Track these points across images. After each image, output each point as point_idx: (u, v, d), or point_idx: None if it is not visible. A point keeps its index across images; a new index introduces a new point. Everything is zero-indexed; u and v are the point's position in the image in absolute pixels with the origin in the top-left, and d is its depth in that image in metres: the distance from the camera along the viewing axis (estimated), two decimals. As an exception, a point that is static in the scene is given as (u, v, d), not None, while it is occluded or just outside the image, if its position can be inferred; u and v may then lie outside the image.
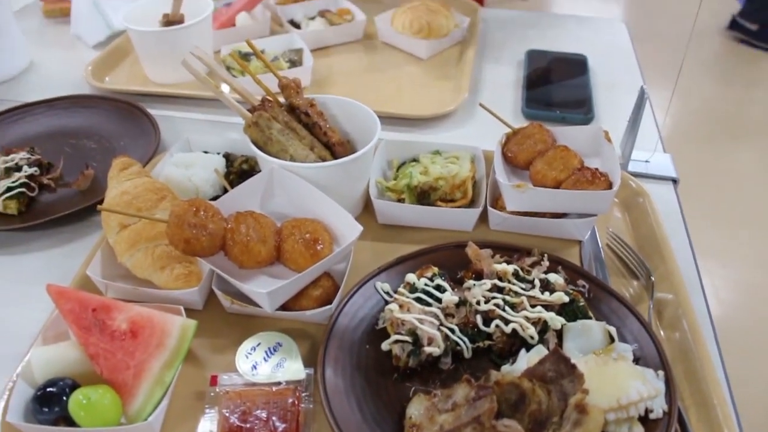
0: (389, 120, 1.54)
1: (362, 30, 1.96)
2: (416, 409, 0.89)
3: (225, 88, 1.35)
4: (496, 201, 1.26)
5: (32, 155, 1.41)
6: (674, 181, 1.43)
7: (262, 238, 1.02)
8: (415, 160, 1.31)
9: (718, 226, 2.98)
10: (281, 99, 1.26)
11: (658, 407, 0.88)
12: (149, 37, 1.69)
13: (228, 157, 1.36)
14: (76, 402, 0.86)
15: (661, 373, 0.93)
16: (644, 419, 0.88)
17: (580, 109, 1.62)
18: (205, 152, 1.36)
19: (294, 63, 1.72)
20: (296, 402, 0.91)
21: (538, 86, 1.72)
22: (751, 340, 2.54)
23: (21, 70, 1.88)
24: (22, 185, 1.32)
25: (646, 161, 1.46)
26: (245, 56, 1.72)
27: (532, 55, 1.86)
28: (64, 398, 0.87)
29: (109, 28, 2.00)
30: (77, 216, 1.29)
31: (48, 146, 1.49)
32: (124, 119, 1.59)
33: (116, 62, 1.88)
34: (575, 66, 1.82)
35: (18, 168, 1.36)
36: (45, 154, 1.44)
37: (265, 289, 0.94)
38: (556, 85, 1.74)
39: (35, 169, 1.38)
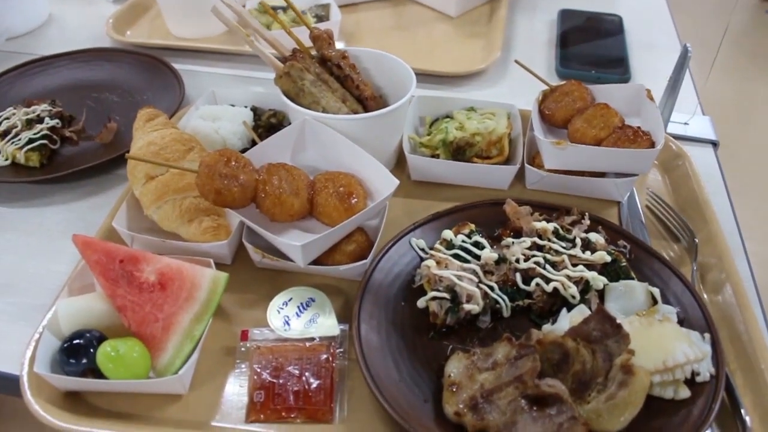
0: (420, 77, 1.47)
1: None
2: (455, 367, 0.86)
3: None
4: (533, 159, 1.21)
5: (54, 108, 1.38)
6: (714, 144, 1.38)
7: (295, 191, 0.99)
8: (448, 116, 1.27)
9: (759, 195, 2.93)
10: (313, 52, 1.22)
11: (705, 370, 0.85)
12: (172, -11, 1.65)
13: (255, 111, 1.32)
14: (104, 354, 0.84)
15: (707, 335, 0.90)
16: (690, 382, 0.85)
17: (617, 69, 1.57)
18: (232, 105, 1.32)
19: (321, 18, 1.67)
20: (330, 358, 0.89)
21: (573, 45, 1.66)
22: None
23: (40, 24, 1.84)
24: (43, 137, 1.29)
25: (686, 123, 1.41)
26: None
27: (566, 15, 1.80)
28: (92, 350, 0.85)
29: (130, -19, 1.96)
30: (100, 169, 1.27)
31: (70, 99, 1.46)
32: (146, 73, 1.55)
33: (137, 16, 1.84)
34: (610, 26, 1.76)
35: (40, 120, 1.33)
36: (67, 107, 1.41)
37: (299, 242, 0.91)
38: (590, 45, 1.68)
39: (57, 121, 1.35)
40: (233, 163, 0.96)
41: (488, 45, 1.66)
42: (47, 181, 1.25)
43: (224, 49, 1.64)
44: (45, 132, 1.30)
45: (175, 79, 1.50)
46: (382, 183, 1.03)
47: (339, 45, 1.53)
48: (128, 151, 1.12)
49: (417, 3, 1.88)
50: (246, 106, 1.32)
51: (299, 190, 0.99)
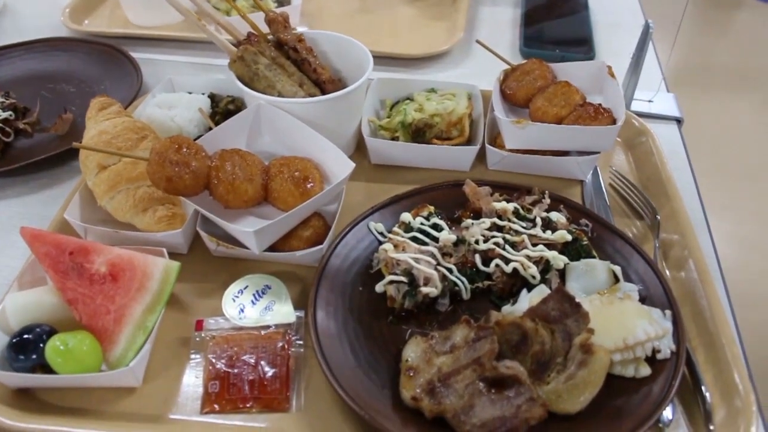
0: (382, 60, 1.47)
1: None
2: (413, 351, 0.85)
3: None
4: (495, 140, 1.20)
5: (7, 99, 1.34)
6: (678, 121, 1.37)
7: (249, 177, 0.96)
8: (409, 99, 1.25)
9: (720, 172, 2.95)
10: (269, 36, 1.19)
11: (666, 347, 0.84)
12: (129, -24, 1.61)
13: (213, 98, 1.29)
14: (52, 348, 0.81)
15: (668, 312, 0.89)
16: (651, 360, 0.84)
17: (581, 47, 1.56)
18: (189, 93, 1.29)
19: (282, 3, 1.64)
20: (286, 346, 0.87)
21: (537, 25, 1.65)
22: (761, 289, 2.52)
23: (-5, 14, 1.79)
24: (-4, 129, 1.26)
25: (650, 101, 1.40)
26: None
27: (530, -5, 1.78)
28: (41, 345, 0.83)
29: (88, -30, 1.91)
30: (55, 161, 1.23)
31: (24, 91, 1.42)
32: (104, 62, 1.51)
33: (95, 5, 1.79)
34: (574, 5, 1.74)
35: (-8, 112, 1.30)
36: (21, 99, 1.37)
37: (252, 228, 0.89)
38: (555, 24, 1.67)
39: (10, 113, 1.31)
40: (185, 149, 0.93)
41: (451, 27, 1.64)
42: (-1, 174, 1.21)
43: (183, 37, 1.60)
44: (-3, 124, 1.27)
45: (133, 67, 1.46)
46: (339, 167, 1.01)
47: (301, 29, 1.50)
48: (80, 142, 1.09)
49: (381, -15, 1.86)
50: (204, 94, 1.29)
51: (253, 175, 0.97)
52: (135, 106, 1.30)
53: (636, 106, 1.37)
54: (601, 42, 1.61)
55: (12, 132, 1.30)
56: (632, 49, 1.31)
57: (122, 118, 1.10)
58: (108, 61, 1.51)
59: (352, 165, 0.99)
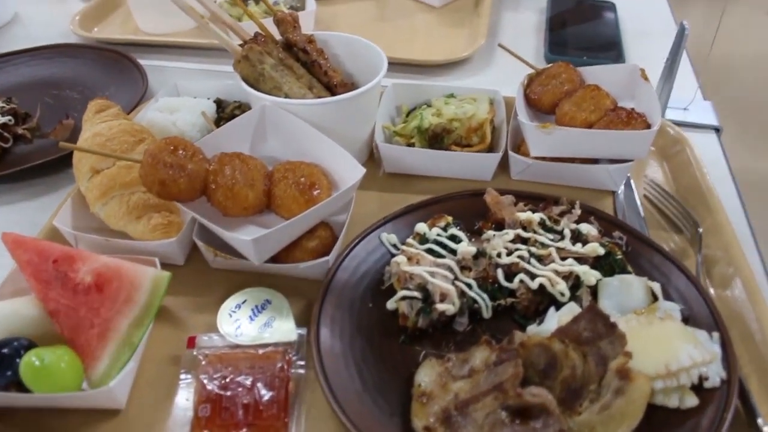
0: (399, 67, 1.41)
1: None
2: (426, 375, 0.76)
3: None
4: (518, 148, 1.11)
5: (8, 105, 1.28)
6: (717, 129, 1.28)
7: (250, 182, 0.89)
8: (426, 105, 1.17)
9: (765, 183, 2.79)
10: (278, 38, 1.12)
11: (714, 374, 0.75)
12: (139, -18, 1.56)
13: (220, 104, 1.22)
14: (27, 364, 0.73)
15: (715, 335, 0.79)
16: (698, 388, 0.74)
17: (609, 53, 1.47)
18: (194, 98, 1.22)
19: (295, 9, 1.58)
20: (286, 366, 0.78)
21: (563, 30, 1.57)
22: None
23: (4, 23, 1.76)
24: (-7, 134, 1.20)
25: (685, 109, 1.31)
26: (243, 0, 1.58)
27: (556, 1, 1.70)
28: (18, 360, 0.75)
29: (100, -22, 1.87)
30: (52, 167, 1.17)
31: (27, 97, 1.37)
32: (110, 69, 1.46)
33: (106, 13, 1.75)
34: (603, 11, 1.66)
35: (-10, 117, 1.24)
36: (24, 105, 1.32)
37: (251, 237, 0.81)
38: (582, 29, 1.59)
39: (9, 118, 1.26)
40: (180, 151, 0.86)
41: (473, 33, 1.56)
42: (-8, 180, 1.15)
43: (191, 43, 1.55)
44: (-6, 129, 1.21)
45: (139, 73, 1.41)
46: (349, 172, 0.93)
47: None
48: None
49: (398, -7, 1.79)
50: (209, 99, 1.22)
51: (255, 181, 0.89)
52: (138, 111, 1.23)
53: (670, 114, 1.28)
54: (629, 48, 1.52)
55: (11, 137, 1.24)
56: (663, 56, 1.22)
57: (119, 120, 1.04)
58: (114, 67, 1.46)
59: (362, 170, 0.91)
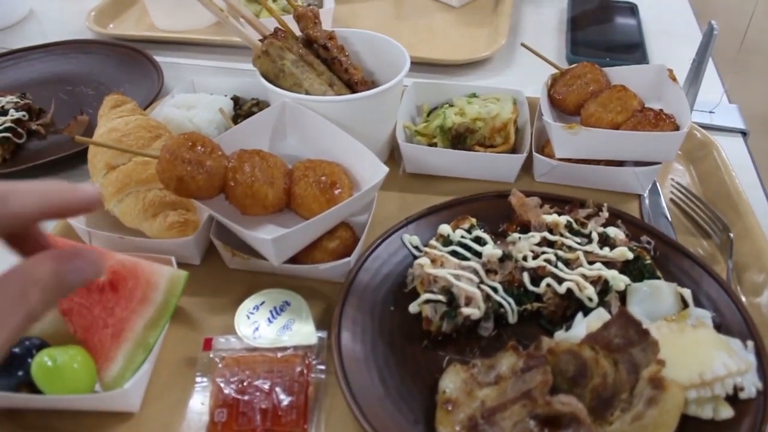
0: (419, 67, 1.38)
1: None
2: (451, 381, 0.73)
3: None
4: (543, 149, 1.09)
5: (22, 100, 1.27)
6: (743, 133, 1.25)
7: (270, 180, 0.86)
8: (448, 104, 1.14)
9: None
10: (298, 35, 1.10)
11: (750, 385, 0.72)
12: (155, -22, 1.54)
13: (237, 101, 1.20)
14: (39, 365, 0.71)
15: (750, 343, 0.76)
16: (732, 399, 0.71)
17: (633, 54, 1.44)
18: (210, 95, 1.20)
19: (313, 7, 1.56)
20: (305, 371, 0.76)
21: (585, 30, 1.54)
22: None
23: (20, 18, 1.74)
24: (7, 130, 1.19)
25: (711, 112, 1.28)
26: (259, -1, 1.56)
27: (577, 2, 1.68)
28: (29, 360, 0.73)
29: (116, -25, 1.86)
30: (66, 163, 1.15)
31: (42, 92, 1.36)
32: (125, 65, 1.44)
33: (122, 10, 1.73)
34: (624, 12, 1.63)
35: (4, 112, 1.23)
36: (38, 101, 1.31)
37: (270, 236, 0.79)
38: (604, 31, 1.56)
39: (23, 113, 1.24)
40: (199, 147, 0.84)
41: (493, 32, 1.53)
42: (5, 176, 1.13)
43: (208, 40, 1.53)
44: (9, 125, 1.20)
45: (155, 69, 1.39)
46: (371, 172, 0.90)
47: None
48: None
49: (417, -7, 1.77)
50: (226, 96, 1.20)
51: (275, 179, 0.87)
52: (154, 107, 1.21)
53: (696, 117, 1.25)
54: (652, 50, 1.49)
55: (24, 133, 1.23)
56: (686, 57, 1.19)
57: (135, 116, 1.02)
58: (129, 64, 1.44)
59: (385, 169, 0.88)
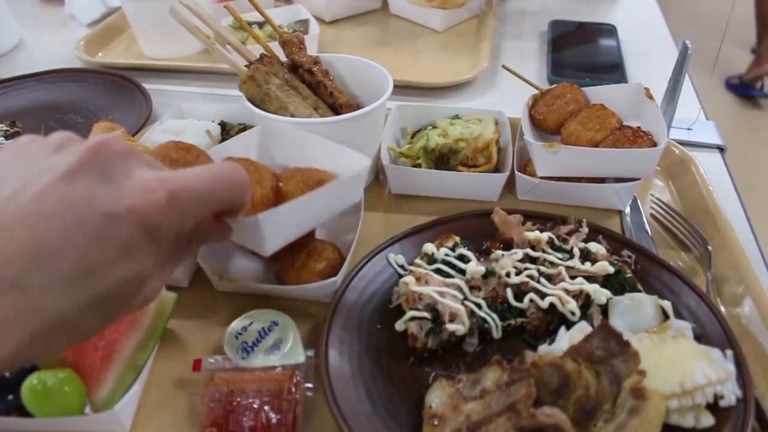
0: (403, 90, 1.40)
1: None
2: (437, 396, 0.74)
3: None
4: (524, 168, 1.11)
5: (11, 128, 1.28)
6: (721, 149, 1.27)
7: (258, 179, 0.85)
8: (431, 126, 1.17)
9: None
10: (283, 60, 1.12)
11: (730, 393, 0.73)
12: (143, 7, 1.57)
13: (224, 126, 1.22)
14: (29, 388, 0.72)
15: (729, 352, 0.78)
16: (713, 407, 0.73)
17: (612, 74, 1.48)
18: (198, 120, 1.22)
19: (299, 33, 1.58)
20: (294, 389, 0.77)
21: (565, 52, 1.57)
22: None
23: (10, 48, 1.77)
24: (-4, 158, 1.19)
25: (689, 129, 1.31)
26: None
27: (557, 25, 1.72)
28: (19, 384, 0.73)
29: (105, 5, 1.89)
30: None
31: (32, 120, 1.38)
32: (114, 93, 1.46)
33: (110, 38, 1.76)
34: (604, 34, 1.67)
35: (-7, 141, 1.24)
36: (27, 129, 1.32)
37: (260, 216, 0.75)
38: (583, 52, 1.59)
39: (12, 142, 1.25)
40: (187, 151, 0.85)
41: (476, 56, 1.57)
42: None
43: (195, 67, 1.55)
44: (-2, 153, 1.21)
45: (143, 97, 1.40)
46: (356, 165, 0.89)
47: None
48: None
49: (400, 18, 1.80)
50: (213, 121, 1.22)
51: (263, 178, 0.86)
52: (143, 134, 1.23)
53: (674, 134, 1.28)
54: (631, 69, 1.53)
55: (14, 161, 1.23)
56: (664, 76, 1.22)
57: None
58: (117, 91, 1.46)
59: (368, 159, 0.89)
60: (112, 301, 0.48)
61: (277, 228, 0.78)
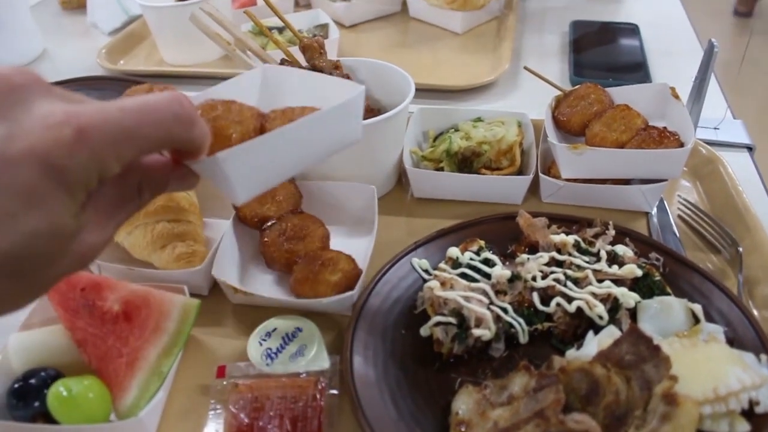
0: (424, 93, 1.39)
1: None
2: (464, 402, 0.73)
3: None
4: (548, 170, 1.09)
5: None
6: (749, 148, 1.25)
7: (238, 119, 0.67)
8: (453, 129, 1.16)
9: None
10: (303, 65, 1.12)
11: (766, 398, 0.71)
12: (164, 14, 1.57)
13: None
14: (55, 395, 0.72)
15: (764, 357, 0.76)
16: (748, 413, 0.71)
17: (636, 74, 1.45)
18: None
19: (318, 38, 1.58)
20: (319, 396, 0.76)
21: (587, 52, 1.56)
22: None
23: (34, 57, 1.78)
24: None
25: (716, 128, 1.29)
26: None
27: (578, 25, 1.70)
28: (45, 391, 0.74)
29: (126, 13, 1.90)
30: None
31: (55, 129, 1.38)
32: (135, 100, 1.46)
33: (131, 46, 1.76)
34: (626, 33, 1.65)
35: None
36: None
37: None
38: (606, 52, 1.57)
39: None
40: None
41: (497, 58, 1.55)
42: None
43: (216, 73, 1.55)
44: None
45: (164, 104, 1.41)
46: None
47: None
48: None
49: (420, 21, 1.79)
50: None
51: (244, 118, 0.68)
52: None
53: (701, 134, 1.26)
54: (655, 69, 1.51)
55: (37, 170, 1.24)
56: (689, 76, 1.20)
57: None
58: (139, 98, 1.46)
59: (361, 87, 0.71)
60: (25, 260, 0.40)
61: (247, 170, 0.62)
